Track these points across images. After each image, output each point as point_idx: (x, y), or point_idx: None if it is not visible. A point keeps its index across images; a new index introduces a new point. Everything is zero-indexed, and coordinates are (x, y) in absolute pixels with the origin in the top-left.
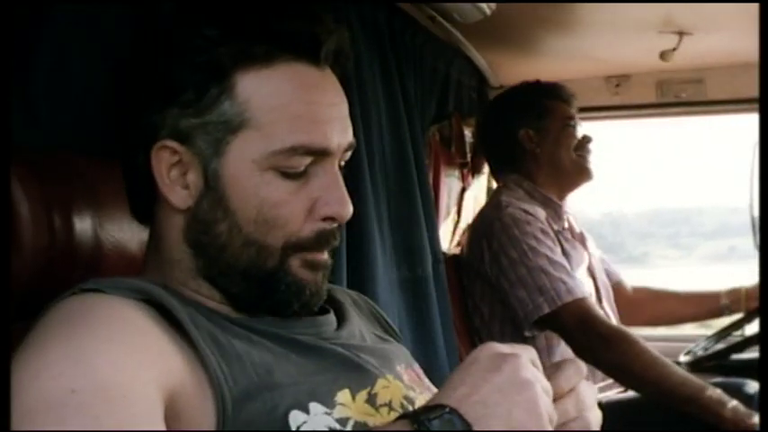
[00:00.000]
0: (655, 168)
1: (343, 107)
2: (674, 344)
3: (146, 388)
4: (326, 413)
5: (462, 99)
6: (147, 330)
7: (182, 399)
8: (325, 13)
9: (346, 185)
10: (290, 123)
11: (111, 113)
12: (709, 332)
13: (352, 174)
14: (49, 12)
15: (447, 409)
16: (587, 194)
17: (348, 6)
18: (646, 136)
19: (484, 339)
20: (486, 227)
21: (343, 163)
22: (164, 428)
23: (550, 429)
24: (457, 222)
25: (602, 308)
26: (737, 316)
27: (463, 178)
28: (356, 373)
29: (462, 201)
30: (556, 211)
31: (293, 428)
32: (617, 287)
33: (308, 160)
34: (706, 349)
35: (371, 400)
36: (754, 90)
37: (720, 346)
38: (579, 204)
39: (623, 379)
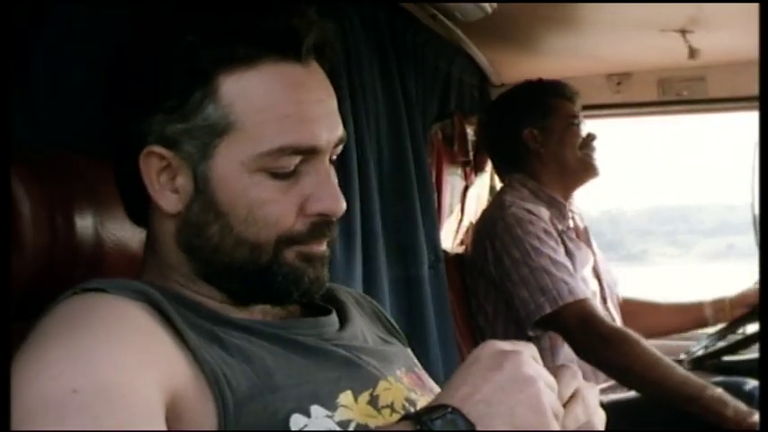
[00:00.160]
0: (654, 166)
1: (331, 102)
2: (675, 343)
3: (146, 389)
4: (328, 416)
5: (464, 97)
6: (149, 331)
7: (183, 400)
8: (307, 6)
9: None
10: (277, 124)
11: (111, 114)
12: (710, 331)
13: (344, 172)
14: (48, 12)
15: (449, 409)
16: (586, 192)
17: (348, 6)
18: (647, 134)
19: (487, 339)
20: (490, 226)
21: (334, 157)
22: (164, 429)
23: (556, 425)
24: (460, 221)
25: (606, 308)
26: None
27: (466, 176)
28: (358, 375)
29: (465, 199)
30: (560, 211)
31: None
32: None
33: (297, 159)
34: (707, 348)
35: (374, 401)
36: (755, 88)
37: (721, 345)
38: (578, 202)
39: (625, 379)
